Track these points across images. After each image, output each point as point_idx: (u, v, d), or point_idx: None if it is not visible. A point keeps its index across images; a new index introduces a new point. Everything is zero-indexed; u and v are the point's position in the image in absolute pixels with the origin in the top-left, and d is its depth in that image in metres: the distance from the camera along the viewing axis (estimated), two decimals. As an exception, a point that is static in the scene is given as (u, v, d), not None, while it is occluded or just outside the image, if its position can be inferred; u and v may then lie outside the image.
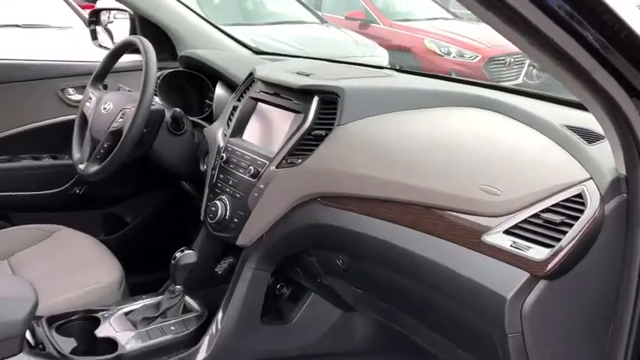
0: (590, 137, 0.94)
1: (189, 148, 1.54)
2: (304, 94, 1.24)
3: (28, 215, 1.80)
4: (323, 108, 1.21)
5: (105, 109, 1.48)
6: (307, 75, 1.32)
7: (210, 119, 1.66)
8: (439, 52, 6.63)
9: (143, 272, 1.96)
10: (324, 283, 1.29)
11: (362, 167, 1.09)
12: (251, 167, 1.26)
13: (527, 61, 6.96)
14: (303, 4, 6.71)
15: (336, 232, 1.13)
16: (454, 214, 0.92)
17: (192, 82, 1.73)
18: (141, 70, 1.87)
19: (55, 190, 1.78)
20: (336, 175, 1.13)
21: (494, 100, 1.18)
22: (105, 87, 1.62)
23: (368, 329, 1.39)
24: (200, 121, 1.62)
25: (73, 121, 1.77)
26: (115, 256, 1.50)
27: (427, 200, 0.96)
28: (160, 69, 1.91)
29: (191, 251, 1.26)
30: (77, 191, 1.81)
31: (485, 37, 6.85)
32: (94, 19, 2.02)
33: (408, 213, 0.99)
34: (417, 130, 1.12)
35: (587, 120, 1.01)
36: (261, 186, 1.23)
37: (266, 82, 1.35)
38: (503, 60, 6.66)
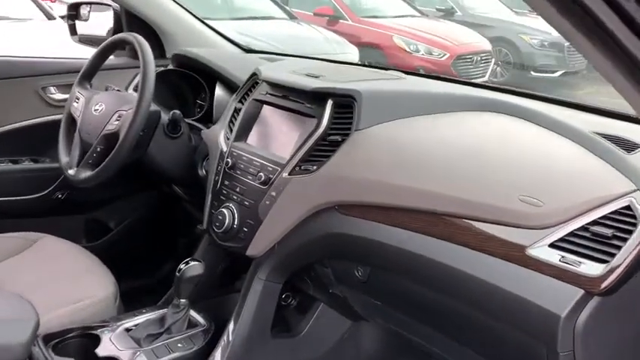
0: (627, 146, 0.92)
1: (186, 151, 1.46)
2: (317, 97, 1.19)
3: (4, 222, 1.69)
4: (337, 112, 1.16)
5: (96, 110, 1.39)
6: (317, 77, 1.27)
7: (205, 121, 1.59)
8: (408, 50, 6.67)
9: (129, 279, 1.88)
10: (337, 293, 1.24)
11: (385, 175, 1.05)
12: (261, 174, 1.20)
13: (493, 60, 7.12)
14: (274, 0, 6.63)
15: (356, 242, 1.08)
16: (491, 225, 0.89)
17: (183, 82, 1.65)
18: (127, 68, 1.80)
19: (36, 196, 1.67)
20: (355, 182, 1.08)
21: (514, 105, 1.16)
22: (90, 86, 1.53)
23: (377, 339, 1.36)
24: (196, 124, 1.54)
25: (55, 121, 1.67)
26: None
27: (460, 210, 0.93)
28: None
29: (197, 263, 1.19)
30: (59, 196, 1.71)
31: (452, 36, 6.95)
32: (74, 13, 1.91)
33: (439, 224, 0.95)
34: (443, 136, 1.08)
35: (619, 128, 1.00)
36: (273, 193, 1.17)
37: (273, 84, 1.29)
38: (471, 58, 6.75)
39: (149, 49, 1.31)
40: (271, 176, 1.18)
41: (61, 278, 1.35)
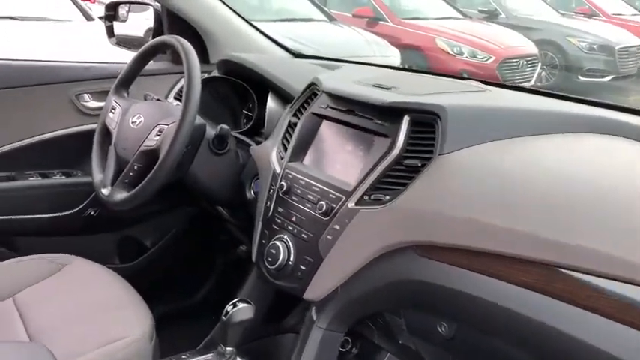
0: None
1: (233, 170, 1.30)
2: (390, 113, 1.00)
3: (33, 240, 1.55)
4: (415, 131, 0.97)
5: (134, 122, 1.23)
6: (388, 88, 1.08)
7: (251, 134, 1.42)
8: (451, 52, 6.44)
9: (164, 302, 1.73)
10: (408, 345, 1.05)
11: (478, 211, 0.86)
12: (322, 202, 1.02)
13: (539, 63, 6.82)
14: (310, 0, 6.47)
15: (439, 292, 0.89)
16: (631, 287, 0.69)
17: (229, 91, 1.49)
18: (167, 74, 1.65)
19: (67, 213, 1.53)
20: (440, 218, 0.89)
21: (628, 125, 0.95)
22: (127, 94, 1.38)
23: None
24: (244, 138, 1.37)
25: (89, 132, 1.52)
26: (134, 286, 1.27)
27: (584, 264, 0.73)
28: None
29: (246, 305, 1.02)
30: (92, 213, 1.57)
31: (498, 38, 6.69)
32: (112, 14, 1.76)
33: (555, 279, 0.75)
34: (550, 164, 0.88)
35: None
36: (337, 227, 0.98)
37: (336, 96, 1.11)
38: (517, 62, 6.49)
39: (194, 54, 1.15)
40: (334, 206, 1.00)
41: (90, 312, 1.20)
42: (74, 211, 1.53)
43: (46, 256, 1.34)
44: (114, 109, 1.31)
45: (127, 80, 1.34)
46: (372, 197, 0.97)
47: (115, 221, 1.64)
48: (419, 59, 6.46)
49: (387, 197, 0.95)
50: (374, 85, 1.11)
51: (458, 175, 0.90)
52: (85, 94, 1.53)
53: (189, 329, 1.78)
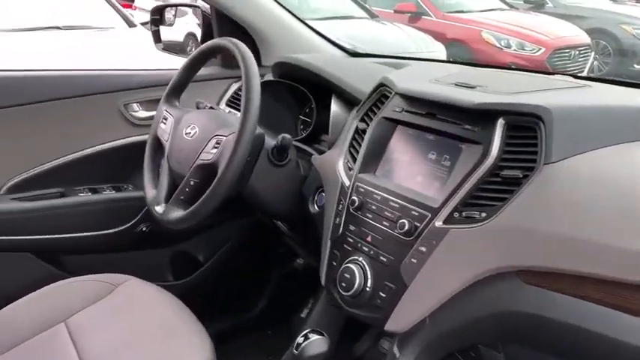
0: None
1: (294, 182, 1.18)
2: (481, 115, 0.87)
3: (82, 258, 1.48)
4: (512, 136, 0.84)
5: (188, 134, 1.14)
6: (472, 87, 0.95)
7: (310, 142, 1.31)
8: (498, 45, 6.20)
9: (219, 319, 1.64)
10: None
11: (596, 231, 0.72)
12: (403, 220, 0.89)
13: (592, 53, 6.50)
14: (353, -1, 6.34)
15: (550, 326, 0.76)
16: None
17: (286, 95, 1.38)
18: (218, 79, 1.55)
19: (118, 230, 1.45)
20: (549, 240, 0.75)
21: None
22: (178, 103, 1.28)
23: None
24: (305, 147, 1.26)
25: (138, 143, 1.44)
26: (189, 303, 1.18)
27: None
28: (237, 78, 1.57)
29: (319, 337, 0.91)
30: (143, 229, 1.48)
31: (547, 29, 6.40)
32: (157, 18, 1.68)
33: None
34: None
35: None
36: (422, 249, 0.86)
37: (412, 98, 0.98)
38: (568, 53, 6.19)
39: (252, 58, 1.04)
40: (417, 224, 0.88)
41: (146, 338, 1.11)
42: (125, 227, 1.45)
43: (98, 277, 1.26)
44: (165, 119, 1.21)
45: (178, 88, 1.24)
46: (464, 214, 0.84)
47: (167, 236, 1.56)
48: (465, 53, 6.25)
49: (483, 214, 0.82)
50: (455, 85, 0.97)
51: (569, 187, 0.77)
52: (134, 104, 1.45)
53: (246, 346, 1.69)
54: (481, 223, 0.81)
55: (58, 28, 3.78)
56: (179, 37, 1.75)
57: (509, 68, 1.33)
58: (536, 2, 7.96)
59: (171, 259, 1.61)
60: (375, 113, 1.06)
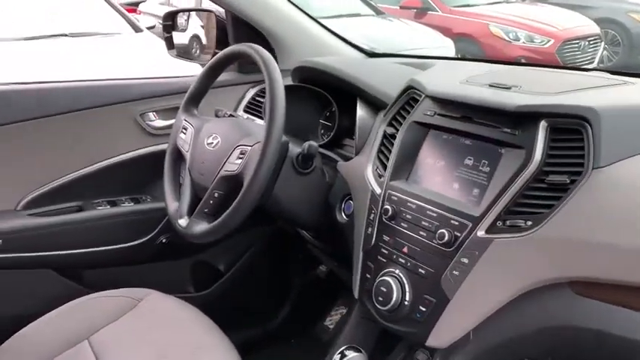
0: None
1: (319, 190, 1.14)
2: (522, 118, 0.83)
3: (102, 272, 1.45)
4: (556, 139, 0.80)
5: (210, 144, 1.10)
6: (508, 88, 0.91)
7: (332, 147, 1.27)
8: (506, 38, 6.14)
9: (240, 330, 1.61)
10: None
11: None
12: (442, 230, 0.85)
13: (602, 44, 6.41)
14: (358, -5, 6.29)
15: (611, 342, 0.71)
16: None
17: (307, 100, 1.34)
18: (235, 85, 1.51)
19: (138, 242, 1.42)
20: (604, 249, 0.71)
21: None
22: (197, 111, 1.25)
23: None
24: (328, 153, 1.22)
25: (156, 153, 1.41)
26: (211, 314, 1.15)
27: None
28: (254, 83, 1.54)
29: (357, 354, 0.87)
30: (163, 240, 1.45)
31: (556, 20, 6.32)
32: (170, 24, 1.64)
33: None
34: None
35: None
36: (465, 260, 0.82)
37: (445, 101, 0.94)
38: (578, 44, 6.12)
39: (276, 64, 1.00)
40: (458, 234, 0.83)
41: (173, 355, 1.07)
42: (145, 239, 1.42)
43: (120, 292, 1.23)
44: (185, 129, 1.18)
45: (196, 96, 1.21)
46: (508, 223, 0.79)
47: (187, 247, 1.52)
48: (473, 48, 6.19)
49: (529, 222, 0.77)
50: (489, 85, 0.93)
51: (623, 193, 0.72)
52: (150, 113, 1.41)
53: (272, 357, 1.65)
54: (528, 232, 0.77)
55: (64, 35, 3.76)
56: (184, 40, 1.71)
57: (537, 65, 1.28)
58: (542, -7, 7.88)
59: (191, 270, 1.58)
60: (404, 117, 1.02)
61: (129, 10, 5.31)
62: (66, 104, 1.33)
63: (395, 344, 1.09)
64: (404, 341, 1.09)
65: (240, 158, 1.01)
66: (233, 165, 1.02)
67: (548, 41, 6.05)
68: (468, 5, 6.72)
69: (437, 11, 6.63)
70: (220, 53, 1.15)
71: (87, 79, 1.40)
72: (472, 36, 6.30)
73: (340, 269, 1.37)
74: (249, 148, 1.01)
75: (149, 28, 4.44)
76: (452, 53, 5.29)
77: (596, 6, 7.21)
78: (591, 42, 6.27)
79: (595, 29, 6.34)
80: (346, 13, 5.75)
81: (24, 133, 1.30)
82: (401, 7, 6.81)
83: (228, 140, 1.07)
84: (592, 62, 6.25)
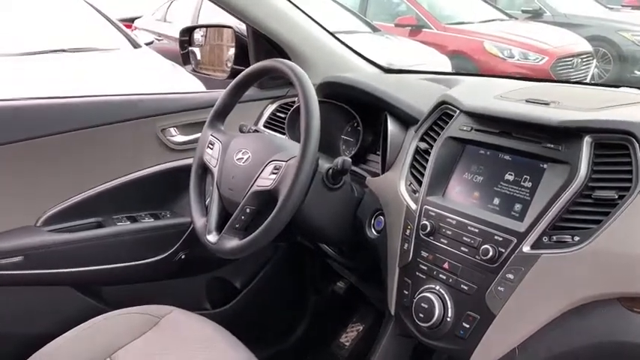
0: None
1: (349, 206, 1.14)
2: (565, 134, 0.83)
3: (121, 289, 1.43)
4: (601, 155, 0.80)
5: (240, 159, 1.09)
6: (547, 104, 0.91)
7: (357, 162, 1.27)
8: (501, 56, 6.21)
9: (259, 347, 1.58)
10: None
11: None
12: (486, 246, 0.84)
13: (594, 61, 6.51)
14: (354, 13, 6.34)
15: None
16: None
17: (329, 115, 1.34)
18: (251, 101, 1.51)
19: (157, 258, 1.40)
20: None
21: None
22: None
23: None
24: (357, 169, 1.21)
25: (176, 169, 1.40)
26: (229, 331, 1.14)
27: None
28: (273, 98, 1.54)
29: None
30: (182, 256, 1.43)
31: (549, 38, 6.41)
32: (186, 39, 1.65)
33: None
34: None
35: None
36: (510, 276, 0.81)
37: (483, 117, 0.94)
38: (571, 61, 6.20)
39: (309, 81, 1.00)
40: (502, 250, 0.83)
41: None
42: (165, 255, 1.40)
43: (140, 309, 1.21)
44: (212, 144, 1.17)
45: (223, 112, 1.20)
46: (555, 239, 0.79)
47: (205, 263, 1.51)
48: (468, 65, 6.25)
49: (576, 238, 0.77)
50: (527, 101, 0.94)
51: (674, 208, 0.72)
52: (171, 128, 1.40)
53: None
54: (576, 248, 0.77)
55: (63, 50, 3.74)
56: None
57: (563, 82, 1.29)
58: (534, 12, 8.00)
59: (207, 286, 1.56)
60: (437, 132, 1.02)
61: (126, 26, 5.31)
62: (87, 119, 1.32)
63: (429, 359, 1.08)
64: (435, 355, 1.08)
65: (275, 173, 1.01)
66: (266, 180, 1.01)
67: (542, 58, 6.12)
68: (463, 22, 6.79)
69: (432, 29, 6.70)
70: (248, 70, 1.14)
71: (107, 94, 1.39)
72: (467, 53, 6.37)
73: (363, 284, 1.36)
74: (284, 163, 1.00)
75: (147, 44, 4.44)
76: (448, 70, 5.33)
77: (587, 24, 7.34)
78: (584, 59, 6.36)
79: (587, 47, 6.44)
80: (343, 30, 5.79)
81: (44, 148, 1.29)
82: (396, 25, 6.86)
83: (259, 155, 1.06)
84: (585, 79, 6.34)
